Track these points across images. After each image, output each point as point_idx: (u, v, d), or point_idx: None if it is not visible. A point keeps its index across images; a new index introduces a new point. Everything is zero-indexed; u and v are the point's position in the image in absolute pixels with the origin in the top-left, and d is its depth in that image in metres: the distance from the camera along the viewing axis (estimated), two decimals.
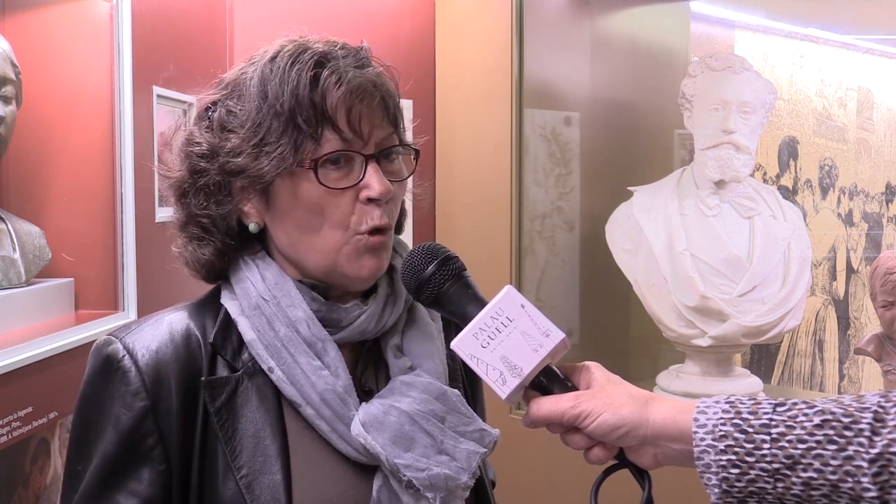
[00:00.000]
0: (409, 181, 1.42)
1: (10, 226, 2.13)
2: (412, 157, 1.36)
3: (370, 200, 1.26)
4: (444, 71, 3.37)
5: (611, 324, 3.65)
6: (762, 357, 3.82)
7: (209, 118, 1.31)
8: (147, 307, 2.38)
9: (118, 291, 2.35)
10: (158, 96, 2.50)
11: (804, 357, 3.88)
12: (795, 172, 3.79)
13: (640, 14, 3.76)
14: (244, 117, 1.27)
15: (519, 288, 3.36)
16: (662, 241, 3.13)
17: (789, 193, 3.73)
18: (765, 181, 3.63)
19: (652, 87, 3.61)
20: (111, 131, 2.32)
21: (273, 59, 1.28)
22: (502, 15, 3.27)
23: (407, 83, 3.39)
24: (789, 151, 3.77)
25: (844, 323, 3.89)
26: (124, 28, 2.33)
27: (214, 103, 1.31)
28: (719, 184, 3.13)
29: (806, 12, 3.72)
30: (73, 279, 2.30)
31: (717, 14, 3.78)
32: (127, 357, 1.25)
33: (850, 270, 3.88)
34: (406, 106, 3.23)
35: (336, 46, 1.29)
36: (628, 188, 3.27)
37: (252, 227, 1.32)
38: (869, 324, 3.74)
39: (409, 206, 1.48)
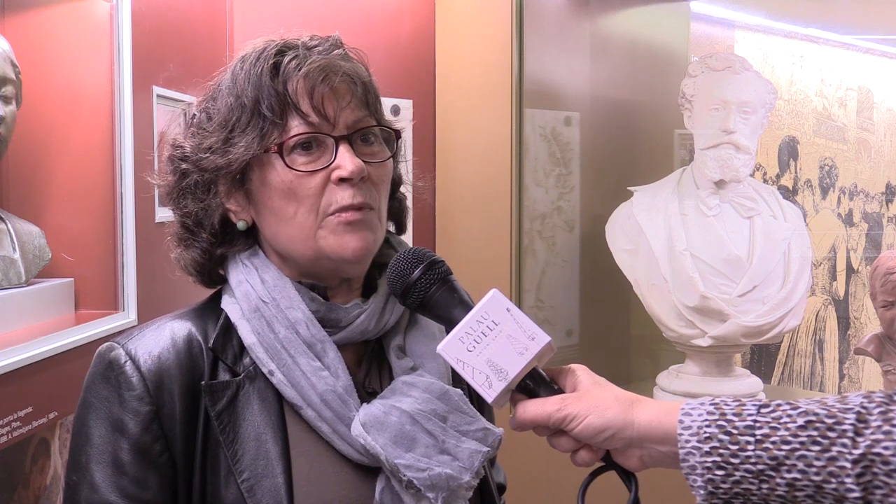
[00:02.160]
0: (410, 173, 1.43)
1: (10, 226, 2.13)
2: (394, 139, 1.36)
3: (342, 180, 1.26)
4: (444, 71, 3.37)
5: (611, 324, 3.65)
6: (762, 357, 3.82)
7: (192, 123, 1.34)
8: (147, 307, 2.38)
9: (118, 291, 2.35)
10: (158, 96, 2.50)
11: (804, 357, 3.88)
12: (795, 172, 3.79)
13: (640, 14, 3.76)
14: (217, 116, 1.29)
15: (519, 288, 3.36)
16: (662, 241, 3.13)
17: (789, 193, 3.73)
18: (765, 181, 3.63)
19: (652, 87, 3.61)
20: (111, 131, 2.32)
21: (243, 57, 1.30)
22: (502, 15, 3.27)
23: (407, 83, 3.42)
24: (789, 151, 3.77)
25: (844, 323, 3.89)
26: (124, 28, 2.32)
27: (198, 109, 1.34)
28: (719, 184, 3.14)
29: (806, 12, 3.72)
30: (73, 279, 2.30)
31: (717, 14, 3.78)
32: (129, 363, 1.26)
33: (850, 270, 3.88)
34: (406, 106, 3.26)
35: (304, 37, 1.31)
36: (628, 188, 3.27)
37: (240, 224, 1.33)
38: (869, 324, 3.74)
39: (408, 204, 1.48)
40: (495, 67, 3.29)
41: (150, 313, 2.37)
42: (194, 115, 1.34)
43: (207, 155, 1.28)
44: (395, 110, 3.22)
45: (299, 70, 1.26)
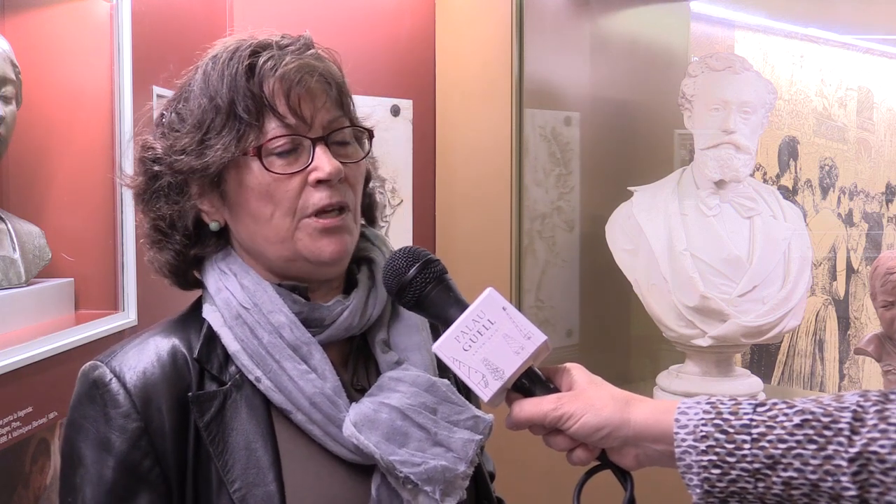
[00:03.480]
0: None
1: (10, 226, 2.13)
2: (367, 138, 1.36)
3: (319, 182, 1.26)
4: (444, 71, 3.37)
5: (611, 324, 3.65)
6: (762, 357, 3.82)
7: (162, 124, 1.32)
8: (147, 307, 2.39)
9: (118, 291, 2.35)
10: (158, 96, 2.50)
11: (804, 357, 3.88)
12: (795, 172, 3.79)
13: (640, 14, 3.75)
14: (190, 117, 1.28)
15: (519, 288, 3.36)
16: (662, 241, 3.13)
17: (789, 193, 3.73)
18: (765, 181, 3.63)
19: (652, 87, 3.60)
20: (111, 131, 2.33)
21: (214, 57, 1.30)
22: (502, 15, 3.27)
23: (407, 83, 3.42)
24: (789, 151, 3.77)
25: (844, 323, 3.89)
26: (124, 28, 2.33)
27: (167, 109, 1.33)
28: (719, 184, 3.14)
29: (806, 12, 3.71)
30: (73, 279, 2.30)
31: (717, 14, 3.77)
32: (114, 380, 1.24)
33: (850, 270, 3.88)
34: (406, 106, 3.26)
35: (276, 37, 1.31)
36: (628, 188, 3.27)
37: (213, 225, 1.32)
38: (869, 324, 3.74)
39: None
40: (495, 67, 3.29)
41: (150, 313, 2.37)
42: (162, 115, 1.33)
43: (181, 157, 1.27)
44: (395, 110, 3.22)
45: (275, 71, 1.25)
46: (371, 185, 1.44)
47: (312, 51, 1.31)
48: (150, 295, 2.41)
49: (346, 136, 1.32)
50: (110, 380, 1.25)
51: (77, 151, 2.31)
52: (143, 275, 2.38)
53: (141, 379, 1.25)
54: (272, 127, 1.26)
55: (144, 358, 1.27)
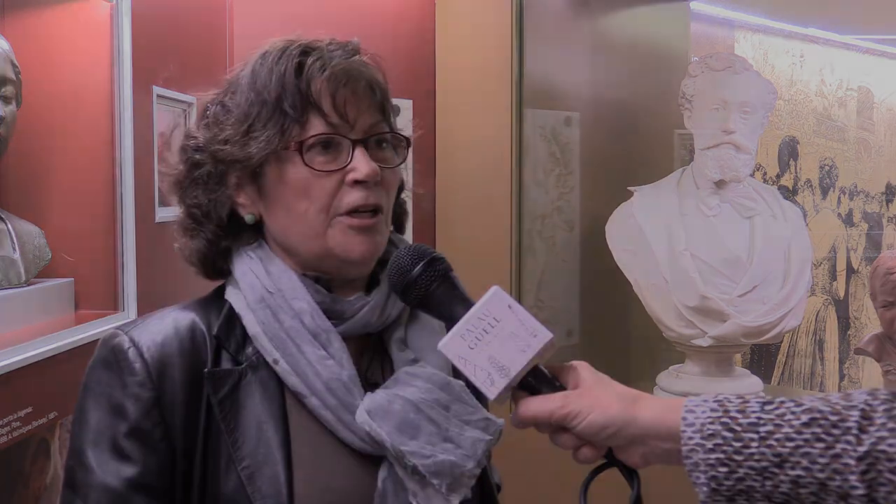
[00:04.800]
0: (410, 180, 1.44)
1: (10, 226, 2.13)
2: (404, 146, 1.38)
3: (356, 183, 1.28)
4: (444, 71, 3.37)
5: (611, 324, 3.65)
6: (762, 357, 3.82)
7: (206, 115, 1.35)
8: (147, 307, 2.38)
9: (118, 291, 2.35)
10: (158, 96, 2.50)
11: (804, 357, 3.89)
12: (795, 172, 3.80)
13: (640, 14, 3.77)
14: (236, 110, 1.31)
15: (519, 288, 3.37)
16: (662, 241, 3.13)
17: (789, 193, 3.74)
18: (765, 181, 3.64)
19: (652, 87, 3.61)
20: (111, 131, 2.33)
21: (264, 54, 1.32)
22: (502, 15, 3.28)
23: (407, 83, 3.42)
24: (789, 151, 3.78)
25: (844, 323, 3.90)
26: (124, 28, 2.33)
27: (213, 102, 1.35)
28: (719, 184, 3.14)
29: (806, 12, 3.72)
30: (73, 279, 2.30)
31: (717, 14, 3.79)
32: (132, 349, 1.26)
33: (850, 270, 3.89)
34: (406, 106, 3.26)
35: (325, 40, 1.33)
36: (628, 188, 3.28)
37: (248, 217, 1.34)
38: (869, 324, 3.75)
39: (408, 204, 1.49)
40: (495, 67, 3.30)
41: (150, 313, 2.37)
42: (207, 107, 1.36)
43: (224, 146, 1.30)
44: (395, 110, 3.21)
45: (323, 71, 1.28)
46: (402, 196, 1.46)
47: (359, 56, 1.33)
48: (150, 295, 2.41)
49: (385, 141, 1.34)
50: (128, 348, 1.27)
51: (77, 151, 2.31)
52: (143, 275, 2.38)
53: (158, 350, 1.27)
54: (315, 124, 1.28)
55: (164, 330, 1.29)
